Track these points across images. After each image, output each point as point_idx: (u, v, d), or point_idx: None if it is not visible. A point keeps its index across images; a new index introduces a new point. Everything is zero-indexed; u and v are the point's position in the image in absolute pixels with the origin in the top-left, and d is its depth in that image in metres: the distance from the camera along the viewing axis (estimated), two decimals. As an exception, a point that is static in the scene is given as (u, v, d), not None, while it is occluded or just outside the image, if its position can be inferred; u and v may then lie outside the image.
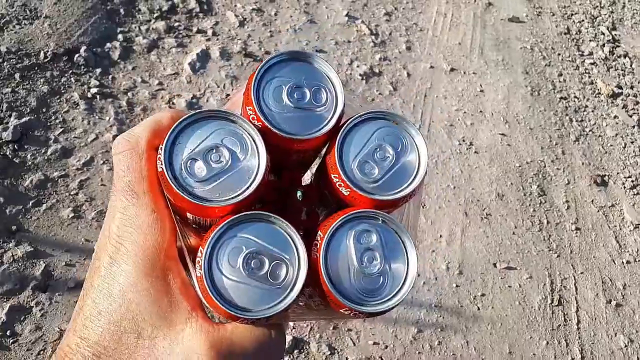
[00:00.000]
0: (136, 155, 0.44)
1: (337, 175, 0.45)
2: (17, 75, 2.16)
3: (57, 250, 1.78)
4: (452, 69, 3.12)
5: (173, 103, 2.34)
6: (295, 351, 1.85)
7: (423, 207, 2.42)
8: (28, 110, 2.10)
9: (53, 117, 2.13)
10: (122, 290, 0.40)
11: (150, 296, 0.40)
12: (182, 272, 0.43)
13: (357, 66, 2.85)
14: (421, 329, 2.01)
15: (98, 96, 2.25)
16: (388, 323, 1.99)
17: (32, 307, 1.62)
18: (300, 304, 0.48)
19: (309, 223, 0.51)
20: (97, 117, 2.20)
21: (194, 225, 0.46)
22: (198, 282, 0.41)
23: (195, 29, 2.68)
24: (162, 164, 0.41)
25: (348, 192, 0.45)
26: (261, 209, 0.43)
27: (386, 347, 1.94)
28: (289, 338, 1.85)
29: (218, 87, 2.49)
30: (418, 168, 0.47)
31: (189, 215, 0.44)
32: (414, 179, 0.46)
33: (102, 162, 2.08)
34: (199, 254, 0.41)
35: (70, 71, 2.29)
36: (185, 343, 0.40)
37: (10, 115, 2.05)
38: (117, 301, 0.40)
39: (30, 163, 1.97)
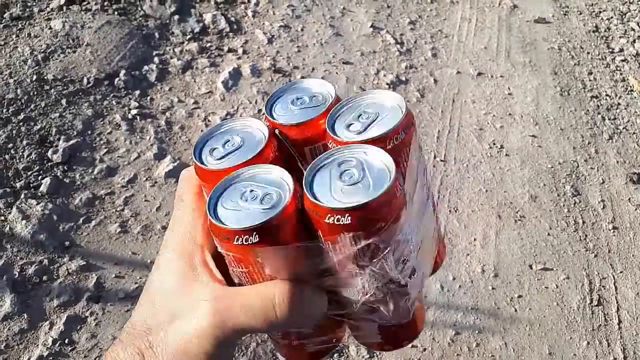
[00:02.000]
0: (192, 176, 0.53)
1: (331, 140, 0.50)
2: (63, 101, 2.31)
3: (107, 264, 1.89)
4: (479, 74, 3.14)
5: (209, 121, 2.45)
6: (335, 355, 1.90)
7: (455, 211, 2.44)
8: (75, 133, 2.24)
9: (98, 139, 2.26)
10: (160, 272, 0.49)
11: (178, 273, 0.48)
12: (205, 255, 0.50)
13: (384, 75, 2.91)
14: (459, 332, 2.03)
15: (138, 117, 2.37)
16: (425, 326, 2.02)
17: (87, 317, 1.73)
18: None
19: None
20: (138, 137, 2.32)
21: None
22: (205, 221, 0.48)
23: (226, 49, 2.80)
24: (193, 159, 0.51)
25: (334, 146, 0.50)
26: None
27: (424, 349, 1.97)
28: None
29: (250, 103, 2.58)
30: (399, 119, 0.49)
31: None
32: (392, 127, 0.48)
33: (144, 179, 2.19)
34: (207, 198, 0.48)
35: (112, 94, 2.42)
36: (203, 298, 0.47)
37: (59, 139, 2.19)
38: (155, 281, 0.49)
39: (79, 182, 2.10)
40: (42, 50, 2.46)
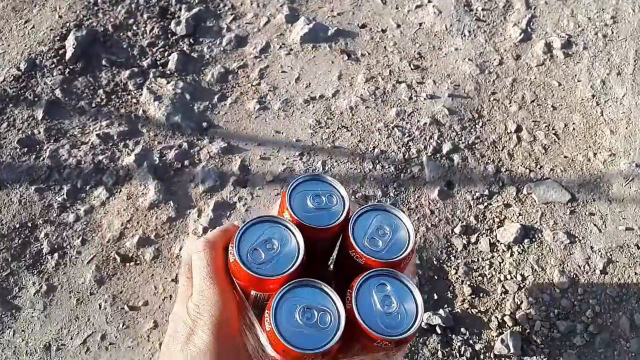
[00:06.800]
0: (214, 252, 0.63)
1: (353, 251, 0.64)
2: (180, -33, 2.01)
3: (249, 144, 1.65)
4: None
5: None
6: (526, 240, 1.53)
7: None
8: (196, 1, 1.96)
9: (221, 4, 1.96)
10: (200, 353, 0.55)
11: (222, 357, 0.55)
12: (244, 339, 0.61)
13: None
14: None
15: (263, -25, 2.01)
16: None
17: (236, 202, 1.53)
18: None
19: (337, 288, 0.62)
20: (265, -2, 1.98)
21: (255, 302, 0.62)
22: (269, 336, 0.55)
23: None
24: (233, 256, 0.60)
25: (363, 261, 0.64)
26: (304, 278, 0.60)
27: (649, 233, 1.52)
28: (517, 226, 1.53)
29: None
30: (409, 240, 0.66)
31: (252, 292, 0.61)
32: (407, 247, 0.65)
33: (278, 47, 1.88)
34: (266, 314, 0.56)
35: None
36: None
37: (180, 9, 1.93)
38: None
39: (207, 56, 1.85)
40: None
